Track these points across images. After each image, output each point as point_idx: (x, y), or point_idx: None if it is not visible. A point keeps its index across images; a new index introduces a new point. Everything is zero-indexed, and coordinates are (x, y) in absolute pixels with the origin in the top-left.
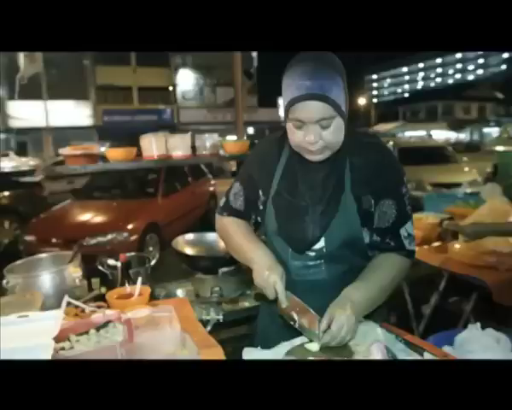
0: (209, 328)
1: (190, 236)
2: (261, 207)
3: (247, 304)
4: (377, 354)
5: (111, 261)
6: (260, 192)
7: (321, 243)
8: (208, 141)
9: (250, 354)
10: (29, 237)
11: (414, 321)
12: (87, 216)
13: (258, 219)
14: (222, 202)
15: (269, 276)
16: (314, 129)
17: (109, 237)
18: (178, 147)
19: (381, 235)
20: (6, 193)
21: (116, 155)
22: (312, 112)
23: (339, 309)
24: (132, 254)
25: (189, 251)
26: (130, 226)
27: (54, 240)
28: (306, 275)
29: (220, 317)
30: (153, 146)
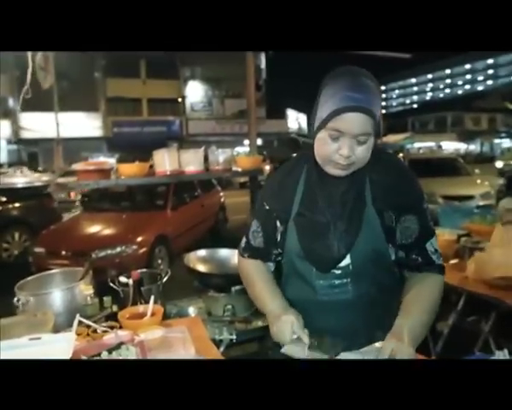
0: (222, 349)
1: (202, 252)
2: (279, 238)
3: (260, 323)
4: None
5: (123, 279)
6: (278, 223)
7: (347, 261)
8: (221, 156)
9: None
10: (38, 249)
11: (431, 340)
12: (96, 228)
13: (279, 251)
14: (242, 242)
15: (286, 317)
16: (350, 143)
17: (118, 249)
18: (191, 162)
19: (407, 251)
20: (16, 204)
21: (129, 171)
22: (356, 125)
23: (400, 342)
24: (144, 270)
25: (201, 268)
26: (139, 239)
27: (63, 252)
28: (332, 295)
29: (233, 337)
30: (166, 162)
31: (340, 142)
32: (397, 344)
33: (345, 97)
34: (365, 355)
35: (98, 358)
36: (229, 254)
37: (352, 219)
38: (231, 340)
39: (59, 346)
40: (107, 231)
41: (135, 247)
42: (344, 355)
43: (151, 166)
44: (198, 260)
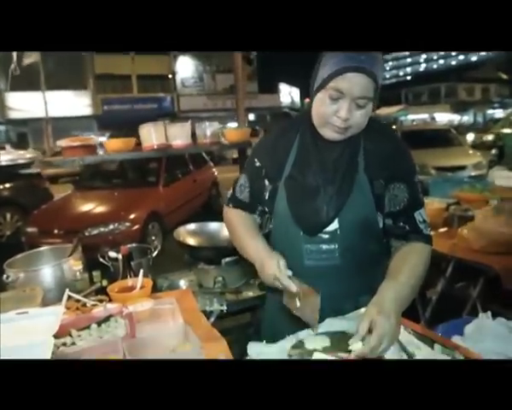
0: (212, 319)
1: (192, 226)
2: (267, 197)
3: (250, 294)
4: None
5: (112, 253)
6: (266, 182)
7: (335, 225)
8: (209, 129)
9: (254, 348)
10: (31, 229)
11: (420, 307)
12: (88, 206)
13: (266, 209)
14: (229, 193)
15: (267, 270)
16: (349, 105)
17: (111, 227)
18: (178, 136)
19: (394, 218)
20: (6, 185)
21: (115, 146)
22: (357, 86)
23: (381, 314)
24: (134, 245)
25: (191, 241)
26: (131, 216)
27: (56, 231)
28: (319, 260)
29: (224, 307)
30: (152, 136)
31: (339, 103)
32: (377, 317)
33: (349, 57)
34: (350, 321)
35: (99, 358)
36: (219, 227)
37: (343, 184)
38: (222, 311)
39: (46, 320)
40: (100, 209)
41: (128, 224)
42: (328, 321)
43: (138, 144)
44: (188, 233)
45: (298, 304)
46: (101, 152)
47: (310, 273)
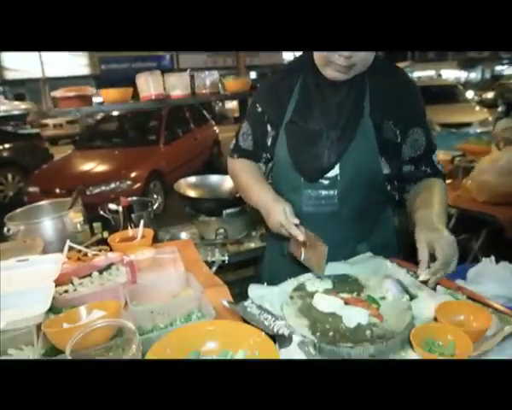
0: (214, 269)
1: (193, 178)
2: (269, 143)
3: (252, 245)
4: (391, 289)
5: (112, 206)
6: (269, 127)
7: (335, 171)
8: (208, 79)
9: (255, 290)
10: (32, 189)
11: None
12: (89, 166)
13: (269, 156)
14: (232, 143)
15: (273, 218)
16: None
17: (112, 185)
18: (177, 86)
19: (416, 163)
20: (6, 146)
21: (111, 96)
22: None
23: (433, 233)
24: (134, 198)
25: (192, 194)
26: (133, 174)
27: (57, 190)
28: (319, 206)
29: (225, 258)
30: (150, 85)
31: None
32: (433, 234)
33: None
34: (353, 265)
35: (100, 358)
36: (220, 180)
37: (346, 129)
38: (223, 261)
39: (47, 266)
40: (101, 168)
41: (129, 182)
42: (331, 265)
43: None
44: (188, 185)
45: (303, 253)
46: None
47: (309, 220)
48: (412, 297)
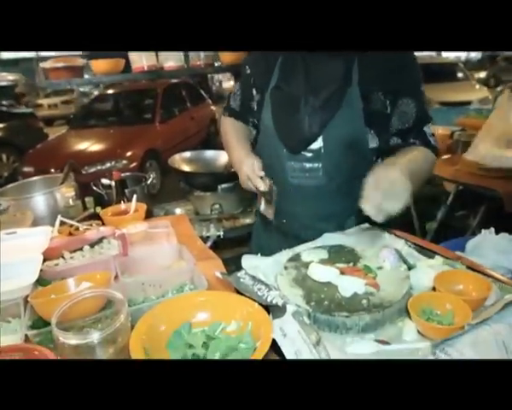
0: (209, 244)
1: (187, 153)
2: (256, 108)
3: (248, 221)
4: (388, 258)
5: (105, 181)
6: (254, 91)
7: (319, 143)
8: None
9: (249, 261)
10: (27, 169)
11: (419, 236)
12: (84, 145)
13: (255, 121)
14: (226, 102)
15: (247, 160)
16: None
17: (108, 165)
18: (170, 57)
19: (404, 136)
20: (0, 125)
21: (102, 67)
22: None
23: (380, 167)
24: (128, 174)
25: (187, 168)
26: (128, 153)
27: (52, 170)
28: (303, 178)
29: (220, 233)
30: (142, 56)
31: None
32: (380, 168)
33: None
34: (349, 236)
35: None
36: (215, 154)
37: (332, 98)
38: (218, 236)
39: (35, 239)
40: (96, 148)
41: (125, 162)
42: (327, 235)
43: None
44: (183, 160)
45: (263, 203)
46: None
47: (294, 192)
48: (410, 267)
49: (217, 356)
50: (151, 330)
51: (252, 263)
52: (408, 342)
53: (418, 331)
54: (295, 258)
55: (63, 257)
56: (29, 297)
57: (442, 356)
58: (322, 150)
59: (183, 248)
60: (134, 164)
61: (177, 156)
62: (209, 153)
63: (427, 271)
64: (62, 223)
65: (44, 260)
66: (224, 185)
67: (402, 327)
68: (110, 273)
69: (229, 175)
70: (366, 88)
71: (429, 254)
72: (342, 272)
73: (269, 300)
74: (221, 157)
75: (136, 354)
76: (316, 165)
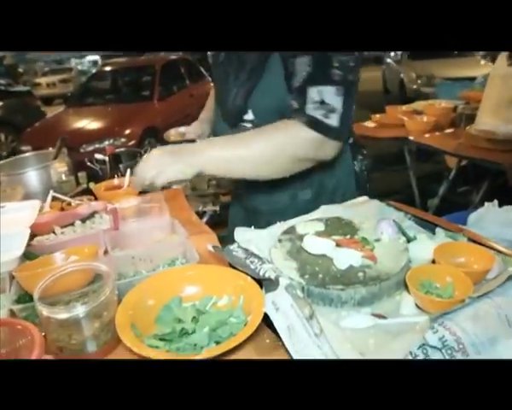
0: (205, 219)
1: (183, 128)
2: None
3: None
4: (387, 230)
5: (99, 156)
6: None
7: (250, 115)
8: None
9: (242, 234)
10: (25, 147)
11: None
12: (82, 123)
13: None
14: None
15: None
16: None
17: (106, 143)
18: None
19: (289, 96)
20: None
21: None
22: None
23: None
24: (122, 149)
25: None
26: (126, 132)
27: (50, 149)
28: None
29: (217, 208)
30: None
31: None
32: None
33: None
34: (346, 208)
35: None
36: None
37: (254, 68)
38: (215, 211)
39: (23, 213)
40: (93, 126)
41: (123, 140)
42: (324, 208)
43: None
44: (179, 135)
45: None
46: None
47: None
48: (410, 240)
49: (206, 330)
50: (139, 305)
51: (245, 236)
52: (406, 316)
53: (416, 305)
54: (290, 230)
55: (54, 232)
56: (13, 271)
57: (441, 330)
58: (256, 121)
59: (175, 222)
60: (132, 142)
61: (172, 131)
62: None
63: (427, 243)
64: (54, 198)
65: (35, 236)
66: None
67: (400, 301)
68: (96, 247)
69: None
70: (286, 55)
71: (430, 226)
72: (338, 245)
73: (261, 273)
74: None
75: (122, 328)
76: None
